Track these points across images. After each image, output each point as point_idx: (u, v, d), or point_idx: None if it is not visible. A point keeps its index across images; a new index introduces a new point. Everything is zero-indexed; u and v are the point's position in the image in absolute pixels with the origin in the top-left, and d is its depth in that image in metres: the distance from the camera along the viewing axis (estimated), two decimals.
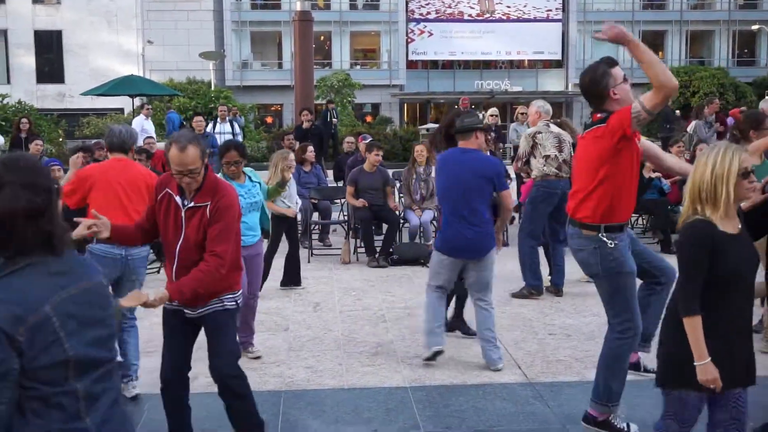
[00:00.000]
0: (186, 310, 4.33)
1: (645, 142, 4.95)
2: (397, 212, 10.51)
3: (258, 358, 6.31)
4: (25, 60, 39.62)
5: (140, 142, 15.84)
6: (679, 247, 3.46)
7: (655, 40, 46.02)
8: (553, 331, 7.18)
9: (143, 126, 16.89)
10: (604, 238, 4.64)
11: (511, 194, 6.04)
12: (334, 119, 18.94)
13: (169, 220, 4.19)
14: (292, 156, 8.43)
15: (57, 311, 2.12)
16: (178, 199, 4.17)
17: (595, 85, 4.63)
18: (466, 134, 6.10)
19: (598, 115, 4.62)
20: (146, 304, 3.83)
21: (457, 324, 7.05)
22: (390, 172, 11.11)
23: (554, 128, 8.40)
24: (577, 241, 4.79)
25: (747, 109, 18.66)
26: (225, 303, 4.34)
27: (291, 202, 8.59)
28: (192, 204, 4.14)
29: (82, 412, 2.20)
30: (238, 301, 4.46)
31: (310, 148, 11.72)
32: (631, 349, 4.86)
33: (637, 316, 4.79)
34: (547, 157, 8.18)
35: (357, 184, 10.37)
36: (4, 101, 26.62)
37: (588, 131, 4.74)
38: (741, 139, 6.50)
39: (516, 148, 14.85)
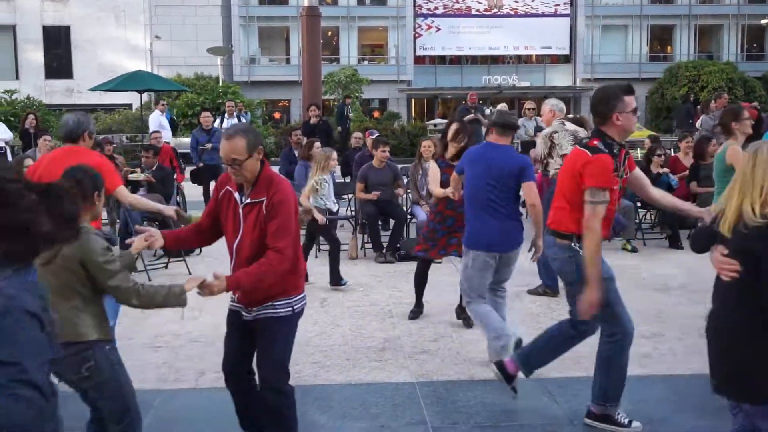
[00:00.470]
0: (243, 312, 4.24)
1: (635, 172, 4.93)
2: (400, 200, 10.53)
3: None
4: (33, 56, 39.71)
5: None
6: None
7: (663, 35, 45.90)
8: None
9: (160, 122, 16.87)
10: (577, 247, 4.64)
11: (534, 187, 5.96)
12: (350, 114, 19.16)
13: (229, 217, 4.16)
14: (335, 155, 8.66)
15: None
16: (237, 195, 4.13)
17: (604, 104, 4.62)
18: (506, 130, 6.06)
19: (595, 142, 4.58)
20: (202, 286, 3.85)
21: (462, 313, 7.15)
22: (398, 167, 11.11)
23: (570, 126, 8.36)
24: (552, 250, 4.84)
25: (757, 104, 18.59)
26: (278, 309, 4.17)
27: (329, 201, 8.78)
28: (249, 200, 4.08)
29: None
30: (295, 308, 4.22)
31: (317, 143, 11.71)
32: (623, 351, 4.83)
33: (624, 319, 4.81)
34: (564, 156, 8.13)
35: (367, 180, 10.37)
36: (13, 97, 26.68)
37: (579, 149, 4.70)
38: (724, 133, 6.65)
39: (524, 143, 14.82)
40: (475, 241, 5.96)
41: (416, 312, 7.49)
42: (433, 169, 7.12)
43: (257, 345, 4.23)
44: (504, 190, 5.90)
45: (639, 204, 11.39)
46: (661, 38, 46.32)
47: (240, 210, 4.10)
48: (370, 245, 10.41)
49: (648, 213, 12.35)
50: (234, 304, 4.28)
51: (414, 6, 43.33)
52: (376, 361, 6.21)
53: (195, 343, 6.57)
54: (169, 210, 5.84)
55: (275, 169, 7.81)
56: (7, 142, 14.87)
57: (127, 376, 3.89)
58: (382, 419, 5.07)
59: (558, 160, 8.15)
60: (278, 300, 4.15)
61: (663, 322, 7.16)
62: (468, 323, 7.05)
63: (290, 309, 4.19)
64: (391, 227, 10.59)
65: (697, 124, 15.28)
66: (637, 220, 11.33)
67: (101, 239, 3.75)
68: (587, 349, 6.36)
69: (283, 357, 4.22)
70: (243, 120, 17.17)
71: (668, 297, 8.12)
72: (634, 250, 10.44)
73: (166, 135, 16.47)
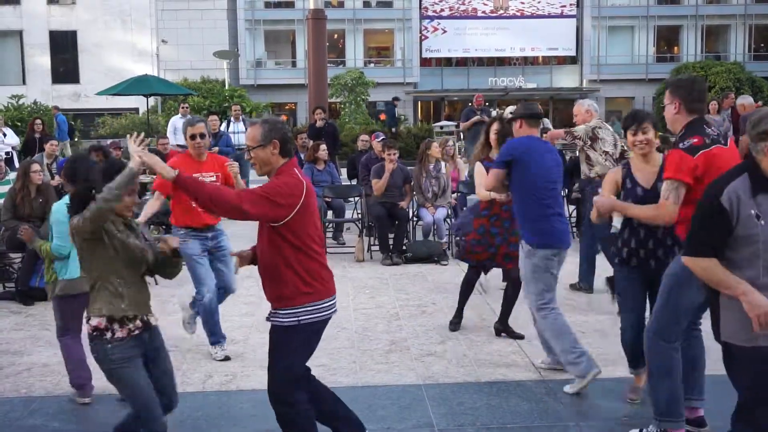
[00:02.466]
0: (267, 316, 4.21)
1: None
2: (404, 209, 10.45)
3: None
4: (40, 60, 39.86)
5: (174, 141, 15.86)
6: None
7: (670, 35, 45.80)
8: None
9: (176, 125, 16.79)
10: None
11: None
12: (400, 116, 19.66)
13: None
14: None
15: None
16: None
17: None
18: (536, 120, 5.81)
19: (695, 140, 4.37)
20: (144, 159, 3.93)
21: (504, 327, 6.89)
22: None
23: (608, 126, 8.47)
24: None
25: (764, 105, 18.53)
26: (282, 318, 4.07)
27: None
28: None
29: None
30: (302, 319, 4.04)
31: (323, 146, 11.74)
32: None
33: None
34: (606, 153, 8.13)
35: (380, 178, 10.33)
36: (20, 102, 26.77)
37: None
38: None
39: None
40: (548, 239, 5.60)
41: (456, 324, 7.11)
42: (480, 171, 6.81)
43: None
44: (560, 185, 5.86)
45: None
46: (667, 39, 46.23)
47: None
48: (376, 248, 10.41)
49: None
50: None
51: (420, 8, 43.34)
52: (383, 364, 6.21)
53: (201, 346, 6.57)
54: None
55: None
56: (14, 147, 14.92)
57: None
58: (388, 421, 5.06)
59: (602, 155, 8.11)
60: (283, 309, 4.07)
61: None
62: (514, 335, 6.78)
63: (295, 320, 4.05)
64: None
65: None
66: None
67: None
68: (593, 351, 6.35)
69: (284, 367, 4.10)
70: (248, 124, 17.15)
71: None
72: None
73: (182, 138, 16.32)
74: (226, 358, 6.30)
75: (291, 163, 4.11)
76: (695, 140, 4.35)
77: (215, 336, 6.39)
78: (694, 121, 4.46)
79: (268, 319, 4.17)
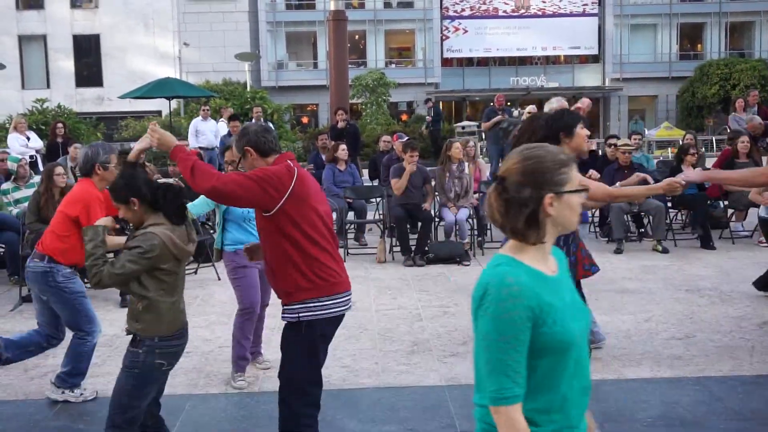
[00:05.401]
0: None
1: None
2: (428, 211, 10.42)
3: (268, 368, 6.10)
4: (64, 64, 40.19)
5: (195, 144, 15.91)
6: None
7: (694, 33, 45.43)
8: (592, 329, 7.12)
9: (197, 127, 16.84)
10: None
11: None
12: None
13: None
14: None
15: None
16: None
17: None
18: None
19: None
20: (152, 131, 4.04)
21: None
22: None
23: None
24: None
25: None
26: (285, 314, 3.95)
27: None
28: None
29: None
30: (301, 316, 3.87)
31: (342, 146, 11.75)
32: None
33: None
34: None
35: (399, 177, 10.32)
36: (44, 106, 27.00)
37: None
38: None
39: None
40: None
41: None
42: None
43: None
44: None
45: (669, 204, 11.29)
46: (691, 36, 45.85)
47: None
48: (398, 249, 10.40)
49: (679, 213, 12.23)
50: None
51: (441, 8, 43.28)
52: (405, 365, 6.19)
53: (224, 348, 6.59)
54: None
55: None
56: (38, 151, 15.03)
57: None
58: (411, 423, 5.05)
59: None
60: (286, 305, 3.95)
61: (694, 323, 7.07)
62: None
63: (295, 316, 3.90)
64: (418, 230, 10.57)
65: (729, 122, 15.15)
66: (668, 221, 11.22)
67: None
68: (616, 352, 6.32)
69: (290, 369, 3.96)
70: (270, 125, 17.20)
71: (700, 298, 8.02)
72: (665, 251, 10.33)
73: (205, 140, 16.41)
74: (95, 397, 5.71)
75: (282, 156, 4.04)
76: None
77: (81, 377, 5.71)
78: None
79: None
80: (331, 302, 3.93)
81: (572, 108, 7.09)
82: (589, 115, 8.92)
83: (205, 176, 3.79)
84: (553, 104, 8.60)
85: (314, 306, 3.89)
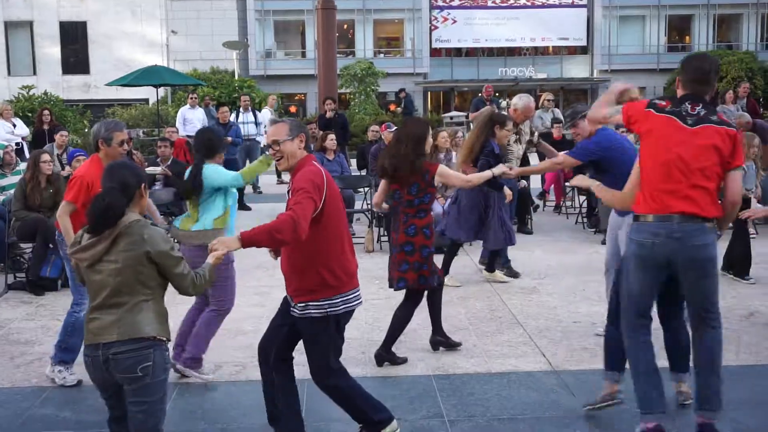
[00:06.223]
0: (291, 304, 4.33)
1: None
2: None
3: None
4: (50, 51, 39.89)
5: (183, 131, 15.83)
6: None
7: (682, 25, 45.54)
8: (577, 318, 7.15)
9: (185, 116, 16.72)
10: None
11: None
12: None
13: None
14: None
15: None
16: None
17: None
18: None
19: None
20: (219, 243, 3.97)
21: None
22: None
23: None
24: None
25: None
26: (311, 311, 4.24)
27: None
28: (289, 187, 4.27)
29: None
30: (329, 311, 4.23)
31: (331, 136, 11.73)
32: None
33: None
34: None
35: None
36: (30, 92, 26.81)
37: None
38: None
39: (541, 135, 14.76)
40: None
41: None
42: None
43: (303, 344, 4.37)
44: None
45: None
46: (679, 28, 45.93)
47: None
48: (386, 238, 10.39)
49: None
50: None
51: None
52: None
53: (217, 336, 6.57)
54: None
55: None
56: (24, 138, 14.94)
57: (167, 388, 3.79)
58: (398, 412, 5.05)
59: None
60: (313, 301, 4.20)
61: None
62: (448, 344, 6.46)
63: (324, 311, 4.21)
64: None
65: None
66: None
67: (160, 228, 3.81)
68: (591, 341, 6.33)
69: (320, 357, 4.29)
70: (258, 114, 17.13)
71: None
72: None
73: (192, 129, 16.23)
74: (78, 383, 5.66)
75: (309, 156, 4.30)
76: (664, 102, 4.44)
77: (72, 354, 5.72)
78: (683, 97, 4.45)
79: (295, 308, 4.26)
80: (353, 295, 4.32)
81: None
82: None
83: (286, 227, 3.91)
84: (517, 101, 8.70)
85: (340, 302, 4.24)
